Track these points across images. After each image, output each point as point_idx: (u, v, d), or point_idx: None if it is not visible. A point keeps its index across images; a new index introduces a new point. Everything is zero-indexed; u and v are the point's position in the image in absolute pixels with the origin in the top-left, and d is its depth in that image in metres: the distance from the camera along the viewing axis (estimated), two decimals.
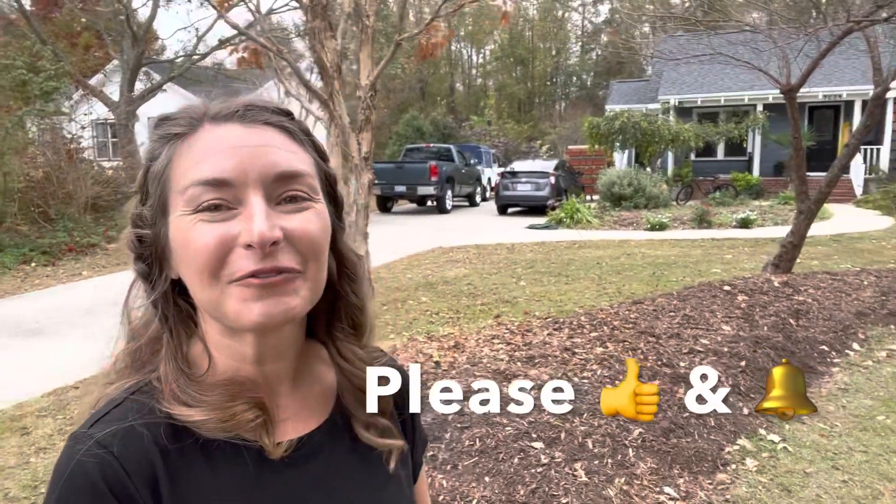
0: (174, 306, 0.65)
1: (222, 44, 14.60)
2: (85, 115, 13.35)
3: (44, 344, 5.54)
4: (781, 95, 6.80)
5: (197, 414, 0.60)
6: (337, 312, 0.72)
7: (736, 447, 3.22)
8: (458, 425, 3.07)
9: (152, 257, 0.64)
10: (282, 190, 0.60)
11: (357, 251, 2.74)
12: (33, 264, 9.23)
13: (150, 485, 0.58)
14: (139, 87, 13.99)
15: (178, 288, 0.64)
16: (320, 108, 3.57)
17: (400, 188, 16.80)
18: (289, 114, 0.65)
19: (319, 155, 0.68)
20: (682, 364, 3.87)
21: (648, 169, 16.70)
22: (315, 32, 3.28)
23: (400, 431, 0.79)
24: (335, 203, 0.70)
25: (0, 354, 5.26)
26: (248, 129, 0.61)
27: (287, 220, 0.60)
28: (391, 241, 10.73)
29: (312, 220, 0.61)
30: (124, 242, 0.66)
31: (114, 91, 13.97)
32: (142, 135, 17.92)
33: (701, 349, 4.13)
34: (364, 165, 3.48)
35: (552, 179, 16.44)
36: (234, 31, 14.15)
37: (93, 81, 16.59)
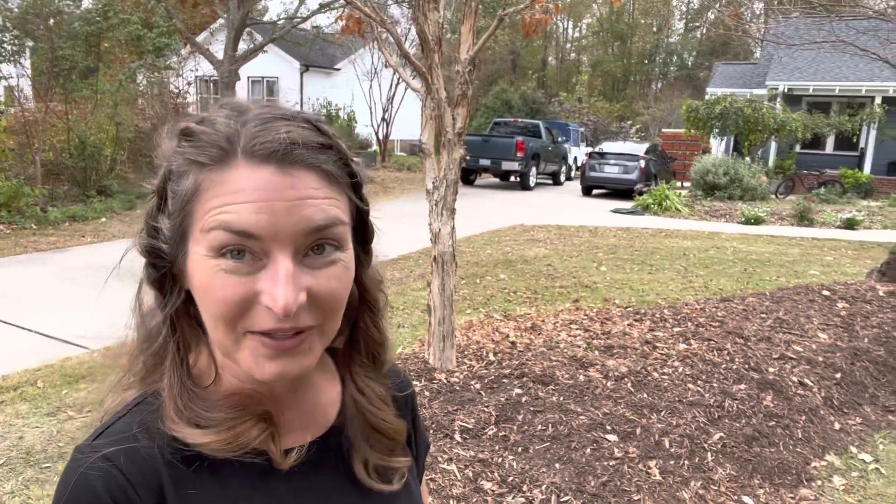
0: (185, 317, 0.63)
1: (322, 7, 14.85)
2: (191, 71, 13.98)
3: None
4: None
5: (201, 437, 0.60)
6: (356, 345, 0.70)
7: (823, 463, 3.06)
8: (532, 409, 3.06)
9: (167, 269, 0.61)
10: (311, 241, 0.57)
11: (443, 226, 2.71)
12: (139, 211, 9.83)
13: (157, 497, 0.58)
14: (242, 47, 14.47)
15: (189, 298, 0.62)
16: (418, 79, 3.57)
17: (485, 161, 16.71)
18: (330, 147, 0.59)
19: (355, 188, 0.63)
20: (770, 370, 3.69)
21: (747, 158, 15.84)
22: (419, 3, 3.27)
23: (405, 446, 0.77)
24: (364, 235, 0.66)
25: (111, 296, 5.66)
26: (285, 176, 0.55)
27: (312, 277, 0.57)
28: (472, 215, 10.73)
29: (338, 277, 0.58)
30: (138, 245, 0.62)
31: (218, 49, 14.52)
32: (242, 94, 18.57)
33: (793, 356, 3.93)
34: (457, 141, 3.46)
35: (642, 163, 15.90)
36: None
37: (199, 39, 17.30)
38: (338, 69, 22.02)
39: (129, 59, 11.33)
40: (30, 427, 3.22)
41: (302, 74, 21.01)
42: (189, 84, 13.04)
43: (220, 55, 13.87)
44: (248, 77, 19.66)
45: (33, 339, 4.44)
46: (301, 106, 20.60)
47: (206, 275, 0.56)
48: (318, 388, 0.70)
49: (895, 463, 3.15)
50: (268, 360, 0.57)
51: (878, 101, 17.40)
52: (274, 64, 20.01)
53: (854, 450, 3.24)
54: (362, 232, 0.66)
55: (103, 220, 9.21)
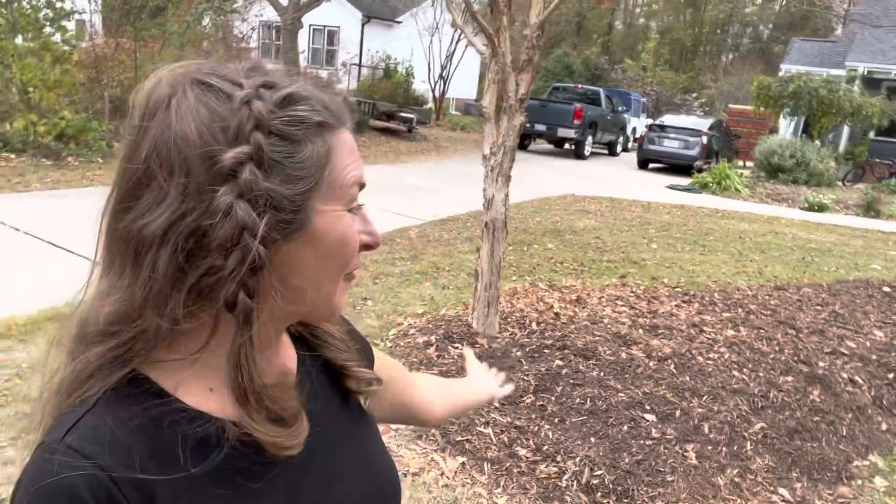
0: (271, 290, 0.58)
1: None
2: (256, 16, 14.05)
3: None
4: None
5: (271, 431, 0.58)
6: None
7: (866, 462, 3.00)
8: (572, 381, 3.08)
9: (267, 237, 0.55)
10: None
11: (497, 192, 2.71)
12: None
13: (146, 496, 0.53)
14: None
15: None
16: (481, 40, 3.52)
17: (540, 127, 16.41)
18: None
19: None
20: (820, 364, 3.60)
21: (817, 142, 15.13)
22: None
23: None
24: None
25: None
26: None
27: None
28: (523, 182, 10.62)
29: None
30: (238, 219, 0.52)
31: None
32: (303, 42, 18.59)
33: (846, 351, 3.82)
34: (518, 107, 3.41)
35: (704, 139, 15.38)
36: None
37: None
38: (399, 22, 21.78)
39: (197, 1, 11.43)
40: None
41: (363, 25, 20.88)
42: (253, 29, 13.15)
43: (284, 2, 13.89)
44: (310, 25, 19.64)
45: None
46: (360, 58, 20.55)
47: (346, 227, 0.61)
48: (285, 351, 0.70)
49: None
50: (345, 294, 0.66)
51: None
52: (336, 13, 19.90)
53: None
54: None
55: None
